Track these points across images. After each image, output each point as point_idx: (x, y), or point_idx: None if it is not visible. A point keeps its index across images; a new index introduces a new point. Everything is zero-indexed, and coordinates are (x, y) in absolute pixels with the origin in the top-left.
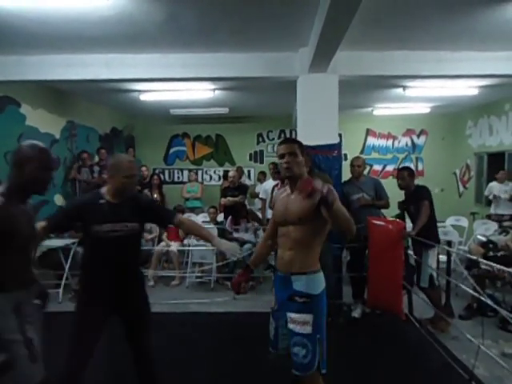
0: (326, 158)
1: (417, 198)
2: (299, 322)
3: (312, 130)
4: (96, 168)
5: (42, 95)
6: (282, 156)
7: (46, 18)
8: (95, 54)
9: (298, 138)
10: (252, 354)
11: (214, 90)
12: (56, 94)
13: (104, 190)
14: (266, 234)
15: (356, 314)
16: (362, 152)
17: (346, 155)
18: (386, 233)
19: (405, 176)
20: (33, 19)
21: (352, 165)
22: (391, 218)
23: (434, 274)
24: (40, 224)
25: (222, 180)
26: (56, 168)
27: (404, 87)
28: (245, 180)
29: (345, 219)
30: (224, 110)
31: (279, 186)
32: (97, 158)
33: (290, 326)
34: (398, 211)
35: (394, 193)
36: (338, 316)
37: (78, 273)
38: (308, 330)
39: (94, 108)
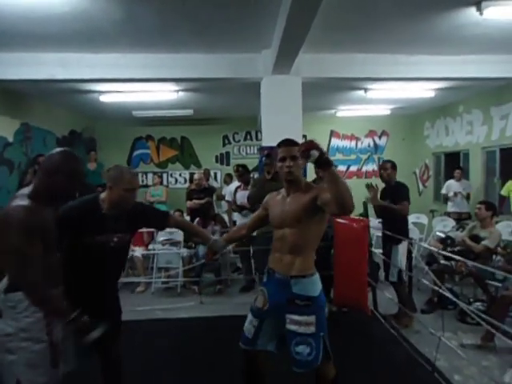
0: None
1: (396, 196)
2: (303, 323)
3: (276, 132)
4: None
5: None
6: (283, 159)
7: None
8: (50, 53)
9: (263, 139)
10: (222, 359)
11: (178, 91)
12: (8, 94)
13: (102, 198)
14: (247, 223)
15: None
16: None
17: None
18: (349, 230)
19: (388, 167)
20: None
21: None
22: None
23: (403, 269)
24: None
25: (187, 183)
26: (83, 180)
27: (365, 89)
28: (212, 182)
29: (343, 183)
30: (188, 112)
31: (242, 188)
32: None
33: (292, 327)
34: (361, 210)
35: (358, 193)
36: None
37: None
38: (312, 330)
39: (50, 110)
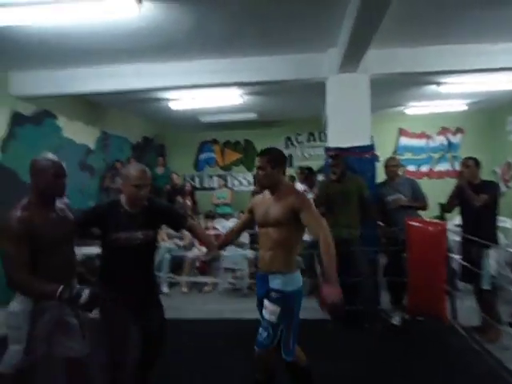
0: (359, 159)
1: (488, 194)
2: (269, 310)
3: (343, 132)
4: None
5: (76, 107)
6: (257, 167)
7: (79, 32)
8: (126, 65)
9: (329, 141)
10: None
11: (243, 95)
12: (89, 105)
13: (122, 198)
14: (235, 226)
15: (395, 321)
16: (394, 153)
17: (377, 157)
18: (425, 234)
19: (470, 164)
20: (66, 34)
21: (386, 166)
22: (430, 220)
23: (496, 277)
24: None
25: (251, 185)
26: (65, 175)
27: (438, 83)
28: None
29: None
30: (252, 116)
31: (306, 191)
32: None
33: (263, 311)
34: (437, 212)
35: (430, 194)
36: (374, 323)
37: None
38: (273, 319)
39: (125, 118)
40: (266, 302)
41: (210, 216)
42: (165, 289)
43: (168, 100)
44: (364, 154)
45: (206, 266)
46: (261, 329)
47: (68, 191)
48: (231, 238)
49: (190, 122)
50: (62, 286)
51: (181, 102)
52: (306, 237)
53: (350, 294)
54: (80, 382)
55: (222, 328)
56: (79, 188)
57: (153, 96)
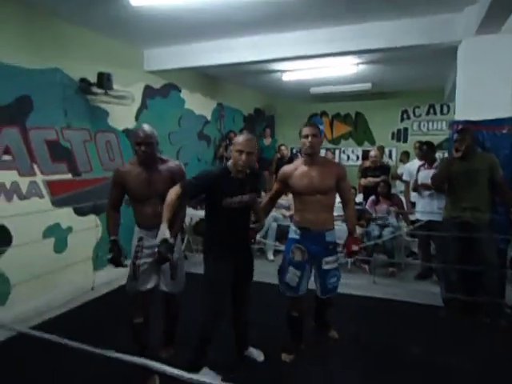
0: (493, 134)
1: None
2: (333, 261)
3: (475, 103)
4: None
5: (196, 81)
6: (306, 136)
7: (202, 7)
8: (241, 38)
9: (457, 113)
10: (390, 344)
11: (358, 64)
12: (207, 78)
13: (229, 165)
14: (270, 197)
15: None
16: None
17: None
18: None
19: None
20: (192, 10)
21: None
22: None
23: None
24: (175, 190)
25: (359, 160)
26: (147, 143)
27: None
28: (387, 161)
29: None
30: (366, 86)
31: (426, 167)
32: None
33: (327, 266)
34: None
35: None
36: (498, 317)
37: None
38: (336, 265)
39: (239, 90)
40: (327, 258)
41: None
42: (270, 256)
43: (280, 71)
44: (500, 129)
45: (254, 234)
46: (331, 280)
47: (188, 158)
48: (269, 209)
49: (300, 94)
50: (114, 237)
51: (293, 73)
52: (422, 216)
53: (472, 282)
54: (172, 313)
55: None
56: (197, 155)
57: (266, 68)
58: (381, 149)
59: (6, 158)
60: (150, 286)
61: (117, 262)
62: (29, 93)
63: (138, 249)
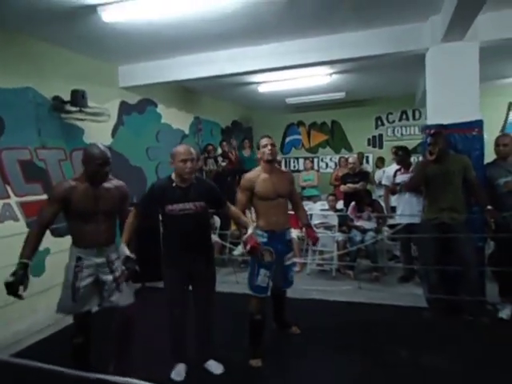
0: (464, 137)
1: None
2: (291, 256)
3: (446, 107)
4: (219, 158)
5: (172, 95)
6: (265, 146)
7: (180, 22)
8: (220, 51)
9: (428, 117)
10: (376, 349)
11: (331, 74)
12: (184, 92)
13: (173, 175)
14: (241, 206)
15: (504, 314)
16: (503, 130)
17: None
18: None
19: None
20: (170, 25)
21: (497, 144)
22: None
23: None
24: (132, 212)
25: (338, 167)
26: (109, 163)
27: None
28: (366, 167)
29: None
30: (340, 95)
31: (402, 171)
32: (220, 150)
33: (288, 262)
34: None
35: None
36: (479, 315)
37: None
38: (293, 259)
39: (216, 103)
40: (288, 255)
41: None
42: None
43: (256, 83)
44: (470, 131)
45: (257, 244)
46: (290, 275)
47: (167, 172)
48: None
49: (276, 105)
50: (28, 261)
51: (269, 84)
52: (401, 220)
53: (452, 282)
54: (123, 329)
55: (311, 305)
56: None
57: (242, 80)
58: (360, 155)
59: None
60: (89, 307)
61: (14, 290)
62: (0, 113)
63: (77, 269)
